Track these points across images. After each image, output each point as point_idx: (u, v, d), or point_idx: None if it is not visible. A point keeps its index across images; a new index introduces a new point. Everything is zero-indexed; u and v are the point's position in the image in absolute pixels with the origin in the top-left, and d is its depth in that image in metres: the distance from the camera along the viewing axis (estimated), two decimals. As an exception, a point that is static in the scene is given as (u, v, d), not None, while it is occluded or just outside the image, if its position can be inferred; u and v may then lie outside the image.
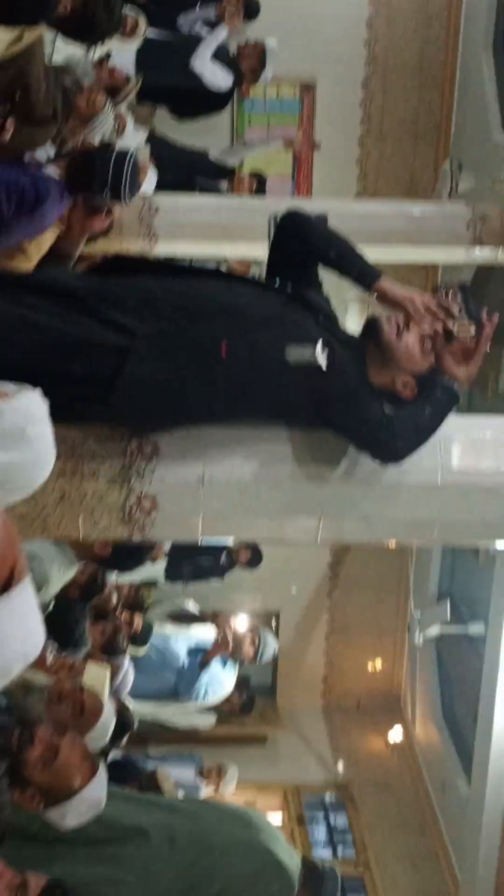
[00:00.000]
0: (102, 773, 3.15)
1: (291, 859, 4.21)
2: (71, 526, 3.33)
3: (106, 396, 3.03)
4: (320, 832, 9.74)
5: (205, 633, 7.81)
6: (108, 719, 3.77)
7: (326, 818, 9.89)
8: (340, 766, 10.37)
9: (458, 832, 8.74)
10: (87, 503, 3.29)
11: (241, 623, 8.04)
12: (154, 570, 7.48)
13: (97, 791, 3.10)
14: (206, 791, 8.24)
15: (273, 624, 11.39)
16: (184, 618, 8.15)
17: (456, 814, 8.78)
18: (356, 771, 10.23)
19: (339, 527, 3.43)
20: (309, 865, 4.32)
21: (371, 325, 3.12)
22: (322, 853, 9.48)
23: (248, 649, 7.58)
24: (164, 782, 5.34)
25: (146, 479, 3.25)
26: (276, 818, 10.12)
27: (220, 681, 7.78)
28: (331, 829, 9.75)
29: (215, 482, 3.27)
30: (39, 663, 4.12)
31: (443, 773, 9.15)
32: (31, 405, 2.22)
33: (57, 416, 2.41)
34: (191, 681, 7.62)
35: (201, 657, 7.62)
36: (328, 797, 10.15)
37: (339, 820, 9.83)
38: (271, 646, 7.76)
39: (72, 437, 3.18)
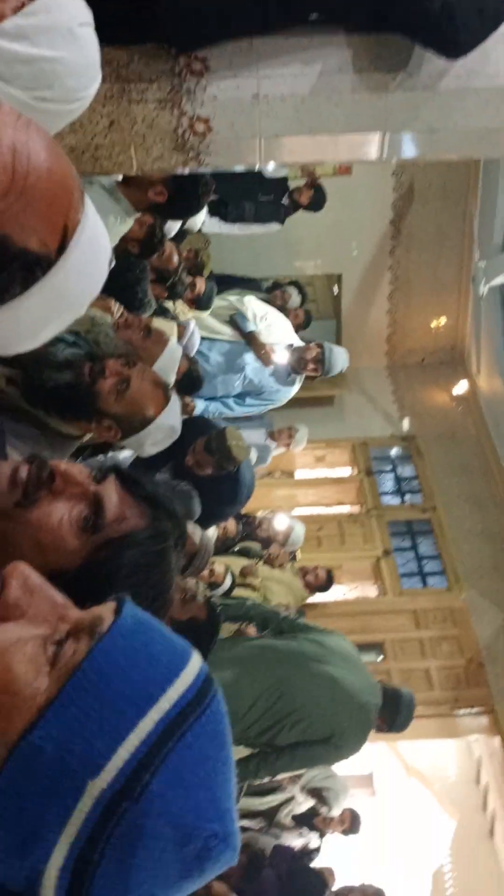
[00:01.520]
0: (175, 402, 3.19)
1: (371, 695, 4.53)
2: (123, 157, 3.20)
3: (150, 9, 2.80)
4: (388, 482, 10.12)
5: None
6: (175, 351, 3.79)
7: (394, 469, 10.25)
8: (406, 422, 10.61)
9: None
10: (137, 130, 3.14)
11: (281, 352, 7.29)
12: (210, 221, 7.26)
13: (171, 418, 3.16)
14: (276, 451, 8.45)
15: (335, 288, 11.32)
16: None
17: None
18: (421, 424, 10.48)
19: (403, 141, 3.26)
20: (388, 693, 4.66)
21: None
22: (390, 500, 9.90)
23: (311, 370, 7.29)
24: (233, 439, 5.40)
25: (197, 100, 3.07)
26: (344, 472, 10.53)
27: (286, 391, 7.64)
28: (398, 479, 10.13)
29: (271, 99, 3.09)
30: (105, 308, 4.12)
31: (507, 418, 9.34)
32: (77, 7, 2.04)
33: (99, 37, 2.22)
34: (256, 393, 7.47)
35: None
36: (395, 450, 10.46)
37: (406, 470, 10.19)
38: (340, 359, 7.38)
39: (116, 57, 2.99)
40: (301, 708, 4.45)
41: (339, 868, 7.09)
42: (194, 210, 4.87)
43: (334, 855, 7.48)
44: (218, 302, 7.35)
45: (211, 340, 7.06)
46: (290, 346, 7.20)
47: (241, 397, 7.47)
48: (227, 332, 7.19)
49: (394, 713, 4.68)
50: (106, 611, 0.94)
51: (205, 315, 7.33)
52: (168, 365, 3.69)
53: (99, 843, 0.84)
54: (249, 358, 7.10)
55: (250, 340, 7.08)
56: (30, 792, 0.84)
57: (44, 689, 0.87)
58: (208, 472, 5.35)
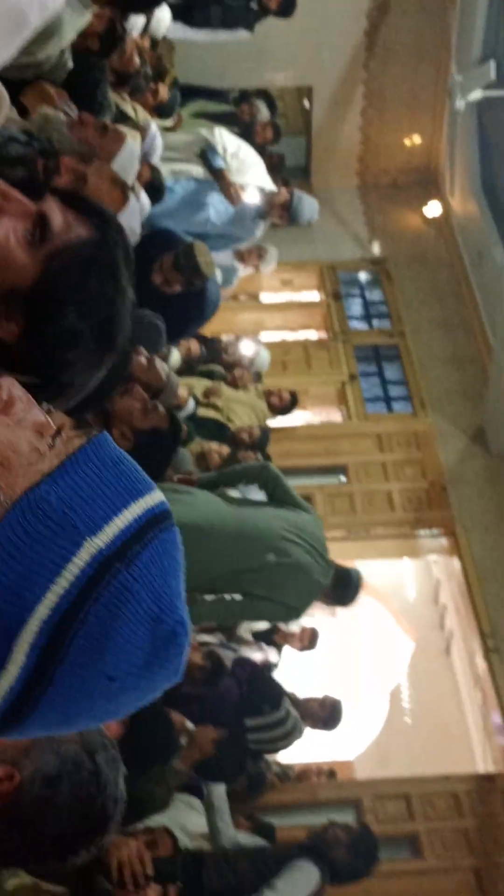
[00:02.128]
0: (134, 203, 3.04)
1: (322, 575, 4.66)
2: None
3: None
4: (356, 305, 9.98)
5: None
6: (134, 149, 3.59)
7: (362, 293, 10.11)
8: (376, 246, 10.40)
9: (492, 300, 8.91)
10: None
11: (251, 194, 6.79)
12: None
13: (130, 219, 3.02)
14: (244, 272, 8.22)
15: (305, 102, 10.90)
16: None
17: (490, 283, 8.90)
18: (392, 247, 10.29)
19: None
20: (340, 573, 4.90)
21: None
22: (357, 325, 9.80)
23: (277, 216, 6.90)
24: (201, 255, 5.25)
25: None
26: (312, 296, 10.37)
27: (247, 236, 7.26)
28: (366, 303, 10.00)
29: None
30: (48, 100, 3.87)
31: (479, 243, 9.14)
32: None
33: None
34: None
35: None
36: (364, 275, 10.28)
37: (375, 294, 10.05)
38: (309, 209, 6.96)
39: None
40: (255, 568, 4.58)
41: (299, 684, 7.31)
42: (155, 1, 4.55)
43: (294, 672, 7.70)
44: (184, 137, 6.96)
45: (176, 179, 6.68)
46: (261, 189, 6.88)
47: (200, 238, 7.15)
48: (194, 170, 6.79)
49: (342, 591, 5.01)
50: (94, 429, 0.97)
51: (168, 123, 7.02)
52: (126, 164, 3.50)
53: (88, 599, 0.86)
54: (214, 198, 6.73)
55: (219, 177, 6.68)
56: (29, 539, 0.86)
57: (47, 455, 0.90)
58: (176, 290, 5.23)
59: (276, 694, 5.54)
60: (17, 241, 1.38)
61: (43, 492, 0.87)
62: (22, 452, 0.90)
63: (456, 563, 8.29)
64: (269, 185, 6.96)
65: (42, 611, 0.85)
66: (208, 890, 3.97)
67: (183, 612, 0.93)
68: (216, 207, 6.66)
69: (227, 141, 6.87)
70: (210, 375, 7.29)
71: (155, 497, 0.94)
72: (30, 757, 1.63)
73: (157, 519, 0.93)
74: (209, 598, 4.66)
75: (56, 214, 1.40)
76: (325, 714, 5.99)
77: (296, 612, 4.96)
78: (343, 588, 5.01)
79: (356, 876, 4.64)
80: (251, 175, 6.88)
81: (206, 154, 6.71)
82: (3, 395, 0.96)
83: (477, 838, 6.68)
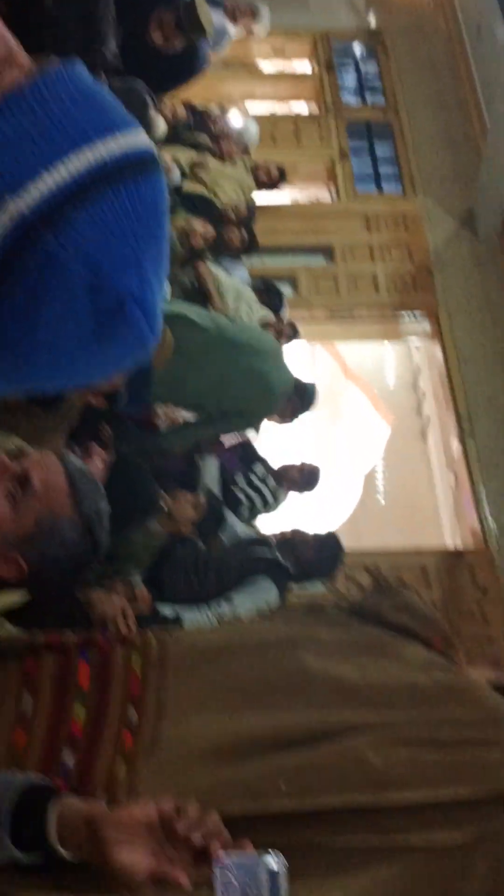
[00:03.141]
0: None
1: (285, 387, 5.04)
2: None
3: None
4: (350, 79, 9.58)
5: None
6: None
7: (356, 65, 9.68)
8: (372, 16, 9.90)
9: (490, 78, 8.54)
10: None
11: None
12: None
13: None
14: (235, 32, 7.80)
15: None
16: None
17: (489, 59, 8.50)
18: (389, 18, 9.78)
19: None
20: (299, 385, 5.33)
21: None
22: (350, 100, 9.45)
23: None
24: (203, 13, 4.99)
25: None
26: (304, 66, 9.95)
27: None
28: (360, 76, 9.60)
29: None
30: None
31: (480, 16, 8.68)
32: None
33: None
34: None
35: None
36: (358, 47, 9.82)
37: (370, 67, 9.63)
38: None
39: None
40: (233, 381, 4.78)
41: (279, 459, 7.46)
42: None
43: (275, 449, 7.84)
44: None
45: None
46: None
47: None
48: None
49: (300, 402, 5.50)
50: (53, 60, 0.83)
51: None
52: None
53: (11, 268, 0.78)
54: None
55: None
56: None
57: None
58: (177, 48, 5.05)
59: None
60: None
61: None
62: None
63: (437, 350, 8.30)
64: None
65: None
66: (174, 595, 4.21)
67: (137, 282, 0.82)
68: None
69: None
70: (196, 146, 7.06)
71: (120, 143, 0.81)
72: (34, 544, 1.71)
73: (115, 171, 0.80)
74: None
75: None
76: (304, 478, 6.19)
77: (257, 422, 5.41)
78: (301, 398, 5.50)
79: (322, 572, 5.00)
80: None
81: None
82: None
83: (443, 609, 6.99)
